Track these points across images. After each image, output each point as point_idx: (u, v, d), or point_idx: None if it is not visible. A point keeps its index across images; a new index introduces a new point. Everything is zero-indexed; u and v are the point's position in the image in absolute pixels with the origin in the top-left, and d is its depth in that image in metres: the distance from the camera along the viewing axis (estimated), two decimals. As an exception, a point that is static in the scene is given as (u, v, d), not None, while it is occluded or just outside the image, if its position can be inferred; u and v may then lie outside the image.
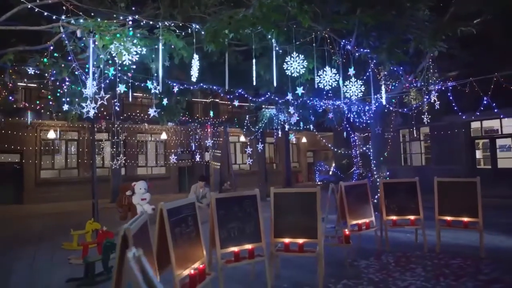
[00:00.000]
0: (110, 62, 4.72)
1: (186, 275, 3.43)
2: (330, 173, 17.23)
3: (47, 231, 8.48)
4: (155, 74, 5.93)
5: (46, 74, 5.58)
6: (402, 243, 6.30)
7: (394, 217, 6.01)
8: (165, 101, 7.76)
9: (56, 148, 13.85)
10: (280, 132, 10.10)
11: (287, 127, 9.89)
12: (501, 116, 12.07)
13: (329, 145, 15.36)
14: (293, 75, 5.88)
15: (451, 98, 8.04)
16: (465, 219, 5.62)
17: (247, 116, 11.48)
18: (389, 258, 5.50)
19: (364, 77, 7.67)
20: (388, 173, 9.76)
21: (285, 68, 5.87)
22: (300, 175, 21.48)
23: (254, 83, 5.65)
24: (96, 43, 4.45)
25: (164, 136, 15.43)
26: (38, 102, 9.27)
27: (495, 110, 9.40)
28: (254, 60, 5.65)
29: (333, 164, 17.42)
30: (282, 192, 4.75)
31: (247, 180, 17.96)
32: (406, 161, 15.87)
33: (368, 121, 9.19)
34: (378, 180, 9.63)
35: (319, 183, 16.80)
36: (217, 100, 13.75)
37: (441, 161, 14.02)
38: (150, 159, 16.39)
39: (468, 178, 5.83)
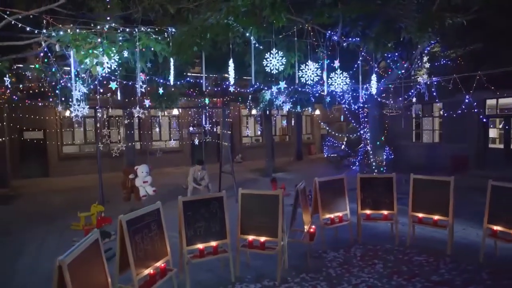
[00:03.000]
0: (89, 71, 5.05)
1: (146, 274, 3.98)
2: (342, 147, 17.23)
3: (63, 208, 9.47)
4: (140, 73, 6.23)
5: (43, 75, 6.07)
6: (378, 234, 6.53)
7: (368, 211, 6.24)
8: (160, 90, 8.11)
9: (75, 125, 14.85)
10: (279, 114, 10.25)
11: (285, 110, 10.01)
12: None
13: (326, 128, 15.21)
14: (272, 71, 5.98)
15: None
16: (436, 217, 5.77)
17: (250, 96, 11.65)
18: (357, 251, 5.82)
19: (355, 66, 7.56)
20: (385, 156, 9.77)
21: (264, 64, 5.97)
22: (313, 146, 21.60)
23: (233, 82, 5.81)
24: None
25: (176, 112, 15.97)
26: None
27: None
28: (231, 60, 5.77)
29: (345, 139, 17.35)
30: (248, 194, 5.11)
31: (259, 152, 18.41)
32: (418, 137, 15.54)
33: (366, 106, 9.10)
34: (374, 164, 9.72)
35: (326, 156, 16.99)
36: (226, 75, 13.78)
37: (452, 139, 13.64)
38: (164, 134, 17.15)
39: (443, 177, 5.86)
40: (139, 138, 15.91)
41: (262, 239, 4.91)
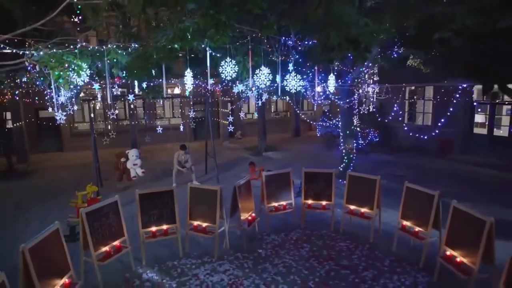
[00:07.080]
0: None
1: (104, 250, 5.24)
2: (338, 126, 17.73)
3: (70, 183, 11.02)
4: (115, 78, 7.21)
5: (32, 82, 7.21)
6: (321, 221, 7.39)
7: (310, 201, 7.18)
8: (144, 85, 9.09)
9: (86, 102, 16.24)
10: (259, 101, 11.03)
11: (263, 98, 10.76)
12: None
13: (301, 112, 15.45)
14: (226, 78, 6.77)
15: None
16: (363, 209, 6.65)
17: (237, 81, 12.38)
18: (294, 236, 6.82)
19: (315, 67, 8.15)
20: (355, 144, 10.44)
21: (220, 71, 6.76)
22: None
23: (189, 90, 6.68)
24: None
25: (177, 91, 16.96)
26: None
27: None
28: (188, 70, 6.59)
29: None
30: (195, 187, 6.20)
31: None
32: (410, 119, 15.81)
33: (336, 97, 9.67)
34: (344, 151, 10.45)
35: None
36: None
37: (440, 123, 13.91)
38: (167, 110, 18.33)
39: (371, 175, 6.64)
40: (143, 115, 17.19)
41: (204, 224, 6.05)
